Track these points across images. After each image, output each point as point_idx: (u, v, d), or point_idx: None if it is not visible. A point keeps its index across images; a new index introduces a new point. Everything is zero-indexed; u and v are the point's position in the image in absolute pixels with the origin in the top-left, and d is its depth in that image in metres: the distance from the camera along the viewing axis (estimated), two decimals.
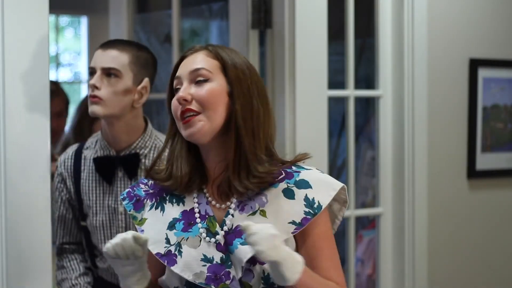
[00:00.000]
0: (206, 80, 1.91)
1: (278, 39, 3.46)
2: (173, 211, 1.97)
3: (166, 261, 1.93)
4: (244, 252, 1.86)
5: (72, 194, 2.78)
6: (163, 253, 1.94)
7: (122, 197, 2.05)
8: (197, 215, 1.94)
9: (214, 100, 1.90)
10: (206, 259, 1.90)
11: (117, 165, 2.71)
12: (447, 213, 3.79)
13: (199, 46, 1.98)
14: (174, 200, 1.98)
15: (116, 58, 2.65)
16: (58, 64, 7.40)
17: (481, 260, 3.90)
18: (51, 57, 6.59)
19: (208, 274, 1.89)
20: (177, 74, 1.96)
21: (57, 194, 2.82)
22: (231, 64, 1.93)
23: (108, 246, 1.88)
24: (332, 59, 3.69)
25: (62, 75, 7.51)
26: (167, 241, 1.95)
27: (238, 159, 1.91)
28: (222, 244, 1.90)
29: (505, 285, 3.97)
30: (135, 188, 2.05)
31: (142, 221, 2.00)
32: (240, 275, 1.88)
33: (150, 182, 2.03)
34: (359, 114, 4.50)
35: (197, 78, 1.92)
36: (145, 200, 2.01)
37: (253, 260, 1.87)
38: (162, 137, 2.72)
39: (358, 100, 4.04)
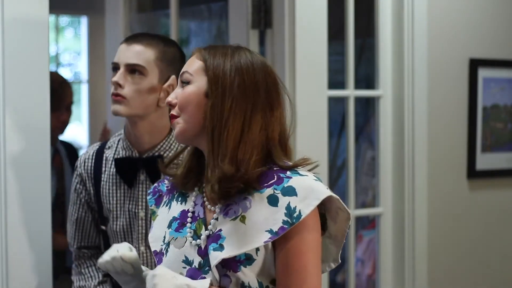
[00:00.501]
0: (188, 83, 1.92)
1: (278, 39, 3.46)
2: (175, 209, 1.98)
3: (157, 259, 1.96)
4: (213, 257, 1.85)
5: (92, 197, 2.61)
6: (158, 250, 1.97)
7: (148, 192, 2.10)
8: (189, 214, 1.94)
9: (187, 103, 1.91)
10: (187, 261, 1.90)
11: (139, 168, 2.52)
12: (447, 213, 3.79)
13: (197, 48, 1.98)
14: (180, 199, 1.99)
15: (141, 53, 2.46)
16: (58, 64, 7.40)
17: (481, 260, 3.90)
18: (51, 57, 6.59)
19: (185, 277, 1.88)
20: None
21: (75, 196, 2.64)
22: (212, 64, 1.90)
23: (100, 261, 1.94)
24: (332, 59, 3.69)
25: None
26: (164, 239, 1.96)
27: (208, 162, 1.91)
28: (203, 248, 1.89)
29: (505, 285, 3.97)
30: (160, 183, 2.08)
31: (155, 217, 2.04)
32: (217, 279, 1.86)
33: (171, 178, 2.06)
34: (359, 114, 4.50)
35: (182, 82, 1.94)
36: (164, 196, 2.04)
37: (228, 267, 1.85)
38: None
39: (358, 100, 4.04)
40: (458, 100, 3.82)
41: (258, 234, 1.83)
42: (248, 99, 1.88)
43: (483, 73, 3.87)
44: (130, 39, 2.51)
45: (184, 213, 1.96)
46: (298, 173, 1.88)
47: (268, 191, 1.86)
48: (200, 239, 1.90)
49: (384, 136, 3.73)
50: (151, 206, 2.06)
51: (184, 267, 1.89)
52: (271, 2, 3.47)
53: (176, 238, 1.93)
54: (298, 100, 3.38)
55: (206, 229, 1.90)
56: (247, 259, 1.84)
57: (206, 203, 1.95)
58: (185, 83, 1.92)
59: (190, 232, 1.91)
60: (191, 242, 1.90)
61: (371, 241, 4.43)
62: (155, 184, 2.09)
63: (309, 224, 1.85)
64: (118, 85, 2.45)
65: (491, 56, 3.89)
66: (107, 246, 2.57)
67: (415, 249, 3.68)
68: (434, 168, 3.73)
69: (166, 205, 2.01)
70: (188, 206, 1.97)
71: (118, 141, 2.58)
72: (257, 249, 1.84)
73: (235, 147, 1.86)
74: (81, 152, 2.71)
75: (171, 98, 1.94)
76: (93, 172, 2.59)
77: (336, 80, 3.86)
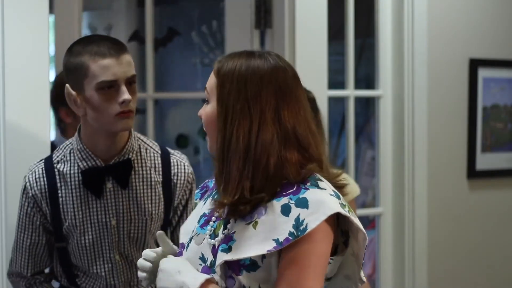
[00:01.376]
0: (207, 102, 1.92)
1: (278, 39, 3.46)
2: (207, 206, 1.98)
3: (178, 251, 1.98)
4: (219, 257, 1.85)
5: (49, 218, 2.44)
6: (184, 243, 1.98)
7: (199, 186, 2.10)
8: (214, 217, 1.93)
9: (207, 123, 1.91)
10: (202, 258, 1.90)
11: (105, 176, 2.41)
12: (447, 213, 3.79)
13: (216, 60, 1.93)
14: (215, 197, 1.97)
15: (131, 62, 2.35)
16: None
17: (481, 260, 3.90)
18: (51, 57, 6.58)
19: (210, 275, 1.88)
20: None
21: (26, 221, 2.46)
22: (220, 82, 1.86)
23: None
24: (332, 59, 3.69)
25: None
26: (191, 233, 1.97)
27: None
28: (216, 247, 1.89)
29: (505, 285, 3.97)
30: (210, 180, 2.07)
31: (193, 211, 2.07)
32: (223, 283, 1.86)
33: None
34: (359, 114, 4.50)
35: (206, 98, 1.94)
36: (208, 191, 2.05)
37: (232, 269, 1.85)
38: (142, 137, 2.50)
39: (358, 100, 4.04)
40: (458, 100, 3.82)
41: (264, 242, 1.81)
42: (253, 117, 1.83)
43: (483, 73, 3.87)
44: (114, 50, 2.32)
45: (212, 212, 1.95)
46: (317, 186, 1.84)
47: (284, 200, 1.84)
48: (216, 238, 1.89)
49: (384, 136, 3.73)
50: (196, 199, 2.07)
51: (200, 264, 1.90)
52: (271, 2, 3.47)
53: (198, 234, 1.93)
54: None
55: (225, 229, 1.90)
56: (252, 264, 1.83)
57: None
58: (207, 100, 1.92)
59: (210, 231, 1.91)
60: (208, 240, 1.90)
61: (371, 241, 4.42)
62: (206, 180, 2.10)
63: (315, 238, 1.82)
64: (128, 101, 2.31)
65: (491, 56, 3.89)
66: (64, 264, 2.49)
67: (415, 249, 3.68)
68: (434, 168, 3.73)
69: (204, 201, 2.02)
70: None
71: (69, 153, 2.43)
72: (263, 257, 1.83)
73: (240, 171, 1.83)
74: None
75: (200, 112, 1.93)
76: (48, 190, 2.43)
77: (336, 80, 3.86)
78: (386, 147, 3.73)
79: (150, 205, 2.45)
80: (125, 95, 2.30)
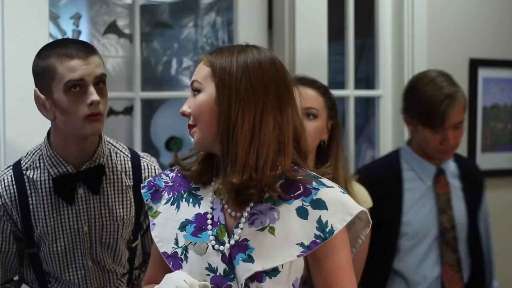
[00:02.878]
0: (199, 91, 1.89)
1: (278, 39, 3.46)
2: (187, 211, 1.93)
3: (171, 263, 1.91)
4: (244, 269, 1.83)
5: (19, 225, 2.38)
6: (169, 253, 1.92)
7: (142, 185, 2.02)
8: (209, 221, 1.90)
9: (200, 112, 1.88)
10: (210, 268, 1.87)
11: (77, 182, 2.36)
12: None
13: (205, 53, 1.94)
14: (190, 200, 1.94)
15: (100, 64, 2.31)
16: None
17: None
18: None
19: (211, 285, 1.86)
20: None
21: None
22: (218, 69, 1.86)
23: None
24: (332, 59, 3.69)
25: None
26: (176, 241, 1.92)
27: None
28: (227, 255, 1.86)
29: (505, 285, 3.97)
30: (156, 178, 2.02)
31: (156, 214, 1.97)
32: None
33: (172, 174, 2.01)
34: (359, 114, 4.49)
35: (194, 90, 1.91)
36: (163, 192, 1.98)
37: (252, 277, 1.84)
38: (111, 141, 2.47)
39: (358, 100, 4.04)
40: None
41: (289, 247, 1.82)
42: (257, 100, 1.83)
43: (483, 73, 3.87)
44: (81, 52, 2.28)
45: (200, 217, 1.92)
46: (325, 185, 1.86)
47: (297, 202, 1.84)
48: (223, 245, 1.87)
49: (384, 136, 3.73)
50: (146, 200, 1.99)
51: (208, 275, 1.86)
52: (271, 2, 3.47)
53: (195, 243, 1.89)
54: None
55: (229, 236, 1.87)
56: (273, 270, 1.83)
57: (227, 208, 1.91)
58: (196, 91, 1.90)
59: (213, 238, 1.88)
60: (214, 248, 1.87)
61: None
62: (150, 179, 2.03)
63: (343, 238, 1.85)
64: (98, 103, 2.26)
65: (491, 56, 3.89)
66: (35, 270, 2.44)
67: None
68: None
69: (172, 204, 1.96)
70: (204, 209, 1.92)
71: (39, 159, 2.39)
72: (290, 262, 1.84)
73: (246, 153, 1.82)
74: None
75: (184, 108, 1.91)
76: (18, 198, 2.37)
77: (336, 80, 3.86)
78: (386, 147, 3.72)
79: (121, 210, 2.42)
80: (93, 96, 2.25)
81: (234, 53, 1.88)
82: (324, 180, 1.88)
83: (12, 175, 2.39)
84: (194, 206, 1.94)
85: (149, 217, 1.99)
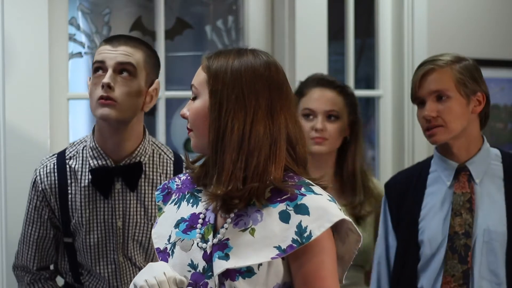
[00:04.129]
0: (195, 97, 1.90)
1: (278, 39, 3.46)
2: (185, 210, 1.96)
3: (160, 258, 1.94)
4: (218, 265, 1.83)
5: (57, 213, 2.43)
6: (161, 249, 1.95)
7: (158, 188, 2.06)
8: (200, 220, 1.92)
9: (195, 118, 1.88)
10: (192, 265, 1.89)
11: (115, 177, 2.40)
12: None
13: (204, 57, 1.94)
14: (191, 200, 1.96)
15: (131, 54, 2.34)
16: None
17: None
18: None
19: (190, 281, 1.87)
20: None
21: (35, 214, 2.44)
22: (213, 76, 1.86)
23: (142, 284, 1.82)
24: (332, 59, 3.69)
25: None
26: (169, 238, 1.94)
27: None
28: (208, 253, 1.88)
29: None
30: (170, 181, 2.05)
31: (161, 213, 2.01)
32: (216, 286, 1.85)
33: (184, 177, 2.02)
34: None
35: (192, 95, 1.92)
36: (173, 194, 2.01)
37: (226, 275, 1.84)
38: (157, 142, 2.51)
39: (358, 100, 4.03)
40: None
41: (266, 249, 1.81)
42: (247, 109, 1.82)
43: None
44: (114, 41, 2.36)
45: (194, 216, 1.94)
46: (313, 192, 1.84)
47: (281, 206, 1.83)
48: (206, 244, 1.88)
49: (384, 136, 3.73)
50: (158, 202, 2.03)
51: (189, 271, 1.88)
52: (272, 2, 3.47)
53: (183, 240, 1.91)
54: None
55: (214, 235, 1.88)
56: (248, 271, 1.83)
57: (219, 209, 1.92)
58: (193, 97, 1.90)
59: (199, 236, 1.90)
60: (198, 245, 1.89)
61: None
62: (165, 182, 2.07)
63: (324, 246, 1.82)
64: (108, 86, 2.29)
65: (491, 56, 3.89)
66: (71, 260, 2.47)
67: None
68: None
69: (175, 204, 1.99)
70: (200, 210, 1.94)
71: (82, 150, 2.43)
72: (260, 264, 1.83)
73: (233, 163, 1.81)
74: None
75: (184, 111, 1.92)
76: (58, 186, 2.41)
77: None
78: (386, 147, 3.73)
79: (156, 210, 2.42)
80: (106, 78, 2.29)
81: (229, 59, 1.87)
82: (315, 188, 1.86)
83: (55, 163, 2.42)
84: (192, 206, 1.96)
85: (157, 216, 2.03)
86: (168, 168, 2.47)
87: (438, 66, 2.54)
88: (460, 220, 2.54)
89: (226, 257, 1.83)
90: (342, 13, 3.65)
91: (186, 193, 1.99)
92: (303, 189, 1.84)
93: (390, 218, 2.63)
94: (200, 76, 1.90)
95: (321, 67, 3.46)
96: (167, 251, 1.93)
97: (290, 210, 1.82)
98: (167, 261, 1.91)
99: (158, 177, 2.45)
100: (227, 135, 1.82)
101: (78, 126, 2.99)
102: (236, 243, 1.84)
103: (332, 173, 2.90)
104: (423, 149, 3.69)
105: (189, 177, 2.02)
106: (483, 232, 2.51)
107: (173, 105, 3.49)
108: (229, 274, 1.83)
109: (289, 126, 1.87)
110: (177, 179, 2.04)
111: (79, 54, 3.36)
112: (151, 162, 2.44)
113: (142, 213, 2.43)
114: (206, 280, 1.86)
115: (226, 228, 1.87)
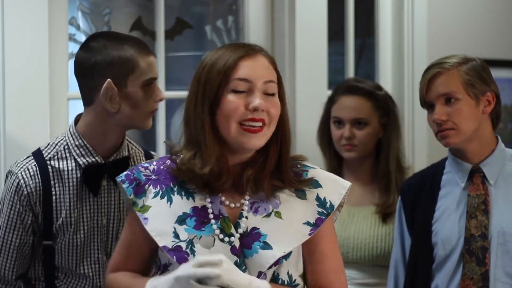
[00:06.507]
0: (271, 94, 1.95)
1: (278, 39, 3.46)
2: (181, 205, 1.94)
3: (175, 257, 1.90)
4: (266, 257, 1.86)
5: (39, 217, 2.34)
6: (170, 247, 1.91)
7: (120, 179, 2.00)
8: (211, 215, 1.91)
9: (276, 116, 1.96)
10: None
11: (104, 173, 2.35)
12: None
13: (258, 47, 1.98)
14: (182, 193, 1.94)
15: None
16: None
17: None
18: None
19: None
20: (246, 77, 1.93)
21: (17, 221, 2.33)
22: (276, 71, 1.99)
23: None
24: (332, 59, 3.69)
25: None
26: (176, 235, 1.91)
27: (275, 160, 1.96)
28: (237, 247, 1.88)
29: None
30: (134, 171, 2.00)
31: (144, 208, 1.95)
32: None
33: (152, 167, 2.00)
34: None
35: (268, 91, 1.94)
36: (146, 185, 1.97)
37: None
38: (127, 137, 2.44)
39: None
40: None
41: (299, 228, 1.90)
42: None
43: None
44: (150, 49, 2.35)
45: (198, 210, 1.92)
46: (308, 166, 2.00)
47: (290, 186, 1.95)
48: (230, 238, 1.89)
49: None
50: (129, 195, 1.98)
51: None
52: (272, 2, 3.47)
53: (201, 237, 1.89)
54: (298, 100, 3.39)
55: (235, 227, 1.90)
56: (288, 253, 1.90)
57: (224, 200, 1.94)
58: (271, 94, 1.99)
59: (218, 231, 1.90)
60: (222, 241, 1.89)
61: None
62: (127, 172, 2.01)
63: (331, 215, 1.96)
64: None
65: (491, 56, 3.89)
66: (47, 263, 2.38)
67: None
68: None
69: (162, 197, 1.96)
70: (201, 203, 1.93)
71: (64, 149, 2.36)
72: None
73: (288, 150, 2.02)
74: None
75: (266, 105, 1.95)
76: (42, 188, 2.32)
77: (336, 80, 3.86)
78: None
79: (130, 205, 2.41)
80: (162, 93, 2.34)
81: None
82: (304, 162, 2.01)
83: (36, 165, 2.33)
84: (188, 199, 1.94)
85: (136, 212, 1.97)
86: (141, 160, 2.42)
87: (445, 69, 2.51)
88: (476, 222, 2.51)
89: (267, 245, 1.86)
90: (342, 13, 3.65)
91: (171, 185, 1.96)
92: (299, 166, 1.99)
93: (405, 220, 2.64)
94: (273, 73, 1.97)
95: (321, 67, 3.46)
96: (183, 249, 1.90)
97: (302, 187, 1.94)
98: (186, 260, 1.88)
99: None
100: (284, 122, 1.98)
101: None
102: (268, 229, 1.88)
103: (368, 175, 2.98)
104: (423, 149, 3.69)
105: (163, 168, 1.99)
106: (498, 234, 2.49)
107: (173, 105, 3.49)
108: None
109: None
110: (142, 169, 2.00)
111: None
112: (130, 155, 2.42)
113: (125, 209, 2.37)
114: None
115: (247, 217, 1.90)
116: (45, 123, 2.87)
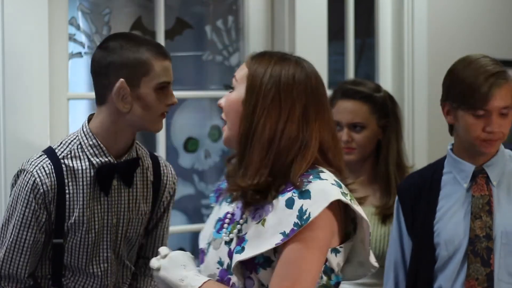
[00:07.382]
0: (233, 88, 1.96)
1: (278, 39, 3.46)
2: (222, 210, 2.01)
3: (200, 258, 2.01)
4: (234, 259, 1.87)
5: (52, 216, 2.35)
6: (202, 249, 2.01)
7: (213, 189, 2.11)
8: (227, 220, 1.97)
9: (229, 109, 1.94)
10: (220, 262, 1.93)
11: (116, 173, 2.37)
12: None
13: (250, 54, 1.99)
14: (229, 200, 1.99)
15: None
16: None
17: None
18: None
19: (217, 277, 1.92)
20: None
21: (32, 219, 2.34)
22: (253, 73, 1.91)
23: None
24: (332, 59, 3.70)
25: None
26: (209, 238, 2.00)
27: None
28: (232, 250, 1.91)
29: None
30: (223, 182, 2.08)
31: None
32: (241, 284, 1.89)
33: None
34: None
35: (231, 86, 1.97)
36: (223, 194, 2.05)
37: (250, 269, 1.88)
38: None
39: None
40: None
41: (272, 236, 1.84)
42: (282, 111, 1.87)
43: None
44: (167, 53, 2.38)
45: (227, 215, 1.98)
46: (319, 178, 1.87)
47: (288, 194, 1.87)
48: (231, 241, 1.93)
49: None
50: (211, 203, 2.09)
51: (218, 268, 1.93)
52: (272, 2, 3.47)
53: (215, 239, 1.96)
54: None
55: (239, 231, 1.93)
56: (266, 261, 1.86)
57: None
58: (231, 88, 1.96)
59: (226, 234, 1.94)
60: (226, 243, 1.93)
61: None
62: (219, 182, 2.11)
63: (317, 225, 1.84)
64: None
65: (491, 56, 3.89)
66: (56, 262, 2.40)
67: None
68: None
69: (220, 204, 2.04)
70: (232, 208, 1.98)
71: (77, 148, 2.37)
72: (275, 251, 1.85)
73: (261, 160, 1.87)
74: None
75: (220, 101, 1.97)
76: (58, 187, 2.33)
77: (336, 80, 3.86)
78: None
79: (144, 205, 2.44)
80: (174, 98, 2.36)
81: (271, 62, 1.92)
82: (324, 174, 1.89)
83: (50, 163, 2.34)
84: (228, 205, 2.00)
85: None
86: (148, 161, 2.46)
87: (505, 81, 2.57)
88: (480, 223, 2.51)
89: (242, 250, 1.86)
90: (342, 13, 3.65)
91: (227, 192, 2.01)
92: (311, 177, 1.87)
93: (404, 221, 2.62)
94: (242, 71, 1.95)
95: (321, 67, 3.46)
96: (204, 250, 1.99)
97: (295, 196, 1.85)
98: (203, 261, 1.97)
99: (145, 171, 2.44)
100: (258, 133, 1.87)
101: (78, 126, 2.98)
102: (251, 235, 1.88)
103: (369, 177, 2.97)
104: (423, 149, 3.70)
105: None
106: (501, 234, 2.49)
107: (173, 105, 3.48)
108: (251, 268, 1.87)
109: (322, 134, 1.90)
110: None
111: (79, 54, 3.36)
112: (138, 156, 2.44)
113: (134, 208, 2.41)
114: (229, 276, 1.90)
115: (246, 222, 1.91)
116: (45, 123, 2.87)
